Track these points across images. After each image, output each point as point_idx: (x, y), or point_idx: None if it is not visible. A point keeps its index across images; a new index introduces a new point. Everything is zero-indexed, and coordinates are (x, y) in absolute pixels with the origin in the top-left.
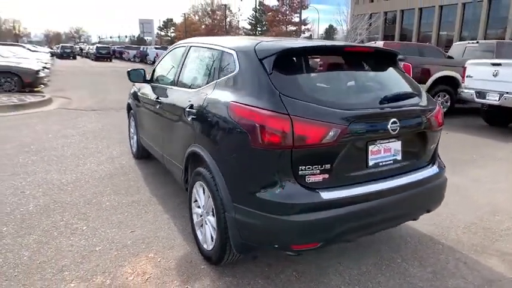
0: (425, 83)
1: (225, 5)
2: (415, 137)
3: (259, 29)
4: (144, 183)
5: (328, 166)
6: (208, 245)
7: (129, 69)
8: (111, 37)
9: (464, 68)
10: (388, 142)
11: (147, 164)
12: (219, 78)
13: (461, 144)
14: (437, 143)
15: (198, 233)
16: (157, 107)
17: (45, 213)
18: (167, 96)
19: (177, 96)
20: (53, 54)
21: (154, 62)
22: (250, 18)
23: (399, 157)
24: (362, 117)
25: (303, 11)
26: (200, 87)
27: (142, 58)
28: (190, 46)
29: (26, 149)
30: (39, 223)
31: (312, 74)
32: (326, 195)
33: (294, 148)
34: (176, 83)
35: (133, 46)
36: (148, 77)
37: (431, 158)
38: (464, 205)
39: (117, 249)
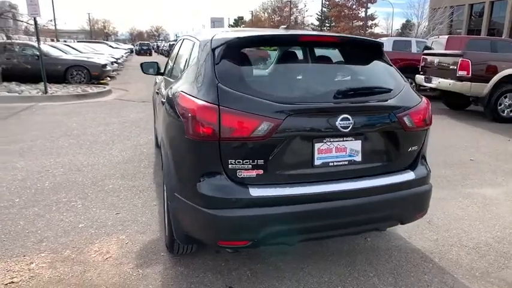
0: (487, 82)
1: (290, 1)
2: (382, 138)
3: (327, 24)
4: (152, 170)
5: (261, 162)
6: (166, 234)
7: (141, 62)
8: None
9: None
10: (343, 141)
11: None
12: (188, 69)
13: None
14: (422, 146)
15: (166, 220)
16: (157, 97)
17: (55, 190)
18: (164, 88)
19: (164, 88)
20: (131, 51)
21: None
22: (318, 13)
23: (358, 158)
24: (301, 112)
25: (371, 5)
26: (177, 77)
27: None
28: (184, 39)
29: (68, 133)
30: (45, 198)
31: (261, 65)
32: (256, 192)
33: (221, 140)
34: (170, 74)
35: None
36: (162, 70)
37: (411, 162)
38: (484, 222)
39: (96, 228)
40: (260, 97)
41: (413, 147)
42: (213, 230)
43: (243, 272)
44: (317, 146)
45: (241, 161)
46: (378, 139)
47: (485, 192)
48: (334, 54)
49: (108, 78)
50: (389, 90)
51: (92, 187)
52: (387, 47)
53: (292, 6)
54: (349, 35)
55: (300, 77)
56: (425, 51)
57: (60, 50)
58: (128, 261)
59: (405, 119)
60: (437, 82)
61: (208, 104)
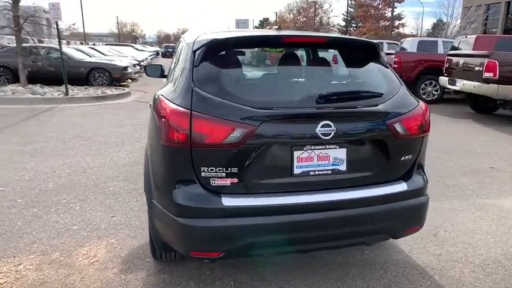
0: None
1: (315, 2)
2: (371, 146)
3: (354, 25)
4: None
5: (235, 170)
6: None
7: (145, 65)
8: None
9: None
10: (325, 149)
11: None
12: (172, 71)
13: None
14: (418, 155)
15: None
16: None
17: (58, 191)
18: None
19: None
20: (157, 53)
21: None
22: (344, 14)
23: (343, 167)
24: (277, 118)
25: (399, 4)
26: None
27: None
28: (180, 40)
29: (81, 135)
30: (47, 199)
31: (242, 68)
32: (229, 201)
33: (192, 147)
34: (167, 77)
35: None
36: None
37: (405, 173)
38: (497, 236)
39: (89, 230)
40: (236, 102)
41: (407, 157)
42: (184, 240)
43: (226, 282)
44: (296, 153)
45: (214, 169)
46: (366, 147)
47: (503, 204)
48: (324, 56)
49: (130, 80)
50: (380, 95)
51: (93, 189)
52: (411, 48)
53: (317, 6)
54: (339, 35)
55: (281, 81)
56: (450, 52)
57: (84, 53)
58: (113, 265)
59: (396, 126)
60: (461, 84)
61: (180, 109)
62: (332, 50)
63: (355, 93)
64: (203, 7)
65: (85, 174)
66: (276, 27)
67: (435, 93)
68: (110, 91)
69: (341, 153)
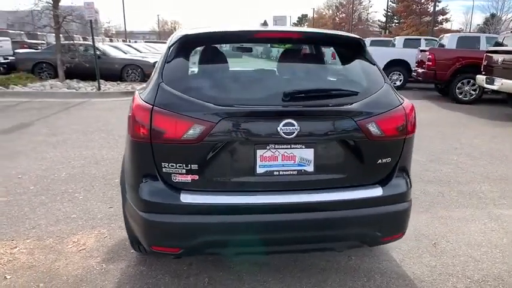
0: None
1: None
2: (341, 147)
3: (396, 20)
4: None
5: (195, 167)
6: None
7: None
8: None
9: None
10: (290, 148)
11: None
12: None
13: None
14: (399, 158)
15: None
16: None
17: (68, 181)
18: None
19: None
20: None
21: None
22: (385, 9)
23: (310, 168)
24: (237, 115)
25: None
26: None
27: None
28: None
29: (103, 128)
30: (56, 188)
31: (211, 64)
32: (187, 198)
33: (153, 142)
34: None
35: None
36: None
37: (383, 177)
38: (506, 251)
39: (85, 219)
40: (199, 98)
41: (384, 160)
42: (146, 235)
43: (201, 279)
44: (259, 152)
45: (174, 165)
46: (336, 148)
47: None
48: (303, 51)
49: None
50: (355, 93)
51: (100, 180)
52: (450, 44)
53: (356, 2)
54: (318, 30)
55: (249, 77)
56: (490, 48)
57: (120, 50)
58: (98, 254)
59: (370, 126)
60: (500, 84)
61: (143, 104)
62: (309, 45)
63: (325, 92)
64: (242, 4)
65: (97, 165)
66: (262, 23)
67: (473, 92)
68: (139, 87)
69: (308, 153)
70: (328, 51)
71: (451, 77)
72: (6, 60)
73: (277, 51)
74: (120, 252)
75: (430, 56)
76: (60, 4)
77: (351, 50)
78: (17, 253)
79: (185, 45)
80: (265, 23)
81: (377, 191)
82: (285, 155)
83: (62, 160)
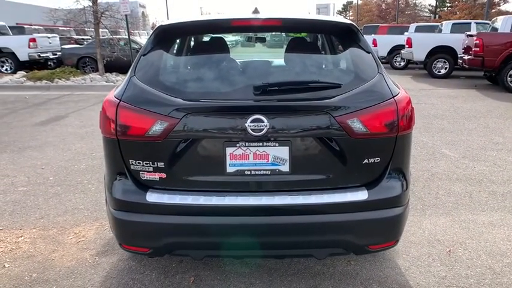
0: None
1: None
2: (320, 145)
3: (448, 4)
4: None
5: (162, 165)
6: None
7: None
8: None
9: None
10: (263, 146)
11: None
12: None
13: None
14: (390, 158)
15: None
16: None
17: (85, 172)
18: None
19: None
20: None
21: None
22: None
23: (285, 168)
24: (201, 111)
25: None
26: None
27: None
28: None
29: None
30: (72, 179)
31: (185, 56)
32: (152, 197)
33: (119, 138)
34: None
35: None
36: None
37: (370, 179)
38: None
39: (91, 211)
40: (166, 93)
41: (371, 160)
42: (115, 232)
43: (187, 277)
44: (229, 150)
45: (141, 162)
46: (315, 147)
47: None
48: (287, 40)
49: None
50: (338, 86)
51: None
52: (504, 28)
53: None
54: (302, 16)
55: (222, 70)
56: None
57: None
58: (93, 247)
59: (351, 122)
60: None
61: (111, 99)
62: (298, 34)
63: (302, 84)
64: None
65: None
66: (253, 10)
67: None
68: None
69: (282, 152)
70: (321, 40)
71: (502, 64)
72: (55, 56)
73: (283, 38)
74: (115, 246)
75: (477, 41)
76: (99, 1)
77: (342, 37)
78: (21, 242)
79: (161, 37)
80: (256, 11)
81: (361, 195)
82: (257, 153)
83: (85, 151)
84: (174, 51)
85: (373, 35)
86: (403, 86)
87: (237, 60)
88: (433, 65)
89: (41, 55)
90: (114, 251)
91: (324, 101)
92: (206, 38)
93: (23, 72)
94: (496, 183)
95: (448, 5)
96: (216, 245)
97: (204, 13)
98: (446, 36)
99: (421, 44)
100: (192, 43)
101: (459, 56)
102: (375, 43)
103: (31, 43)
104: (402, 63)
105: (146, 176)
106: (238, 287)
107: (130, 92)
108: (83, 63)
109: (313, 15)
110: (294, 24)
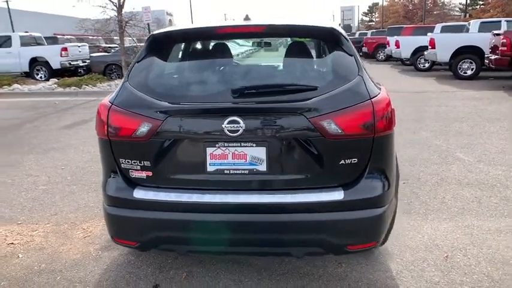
0: None
1: None
2: (296, 146)
3: (480, 2)
4: None
5: (148, 163)
6: None
7: None
8: None
9: None
10: (241, 146)
11: None
12: None
13: None
14: (369, 159)
15: None
16: None
17: (99, 173)
18: None
19: None
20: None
21: None
22: None
23: (262, 168)
24: (181, 113)
25: None
26: None
27: None
28: None
29: None
30: (88, 179)
31: (172, 62)
32: (139, 194)
33: (111, 139)
34: None
35: None
36: None
37: (347, 179)
38: None
39: (100, 209)
40: (153, 96)
41: (348, 160)
42: (107, 226)
43: (180, 273)
44: (209, 150)
45: (130, 161)
46: (291, 148)
47: None
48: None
49: None
50: (314, 88)
51: None
52: None
53: None
54: (283, 22)
55: (204, 74)
56: None
57: None
58: (99, 242)
59: (325, 124)
60: None
61: (105, 103)
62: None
63: (278, 87)
64: None
65: None
66: (245, 17)
67: None
68: None
69: (260, 152)
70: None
71: None
72: (85, 64)
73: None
74: None
75: (504, 40)
76: (124, 10)
77: (325, 40)
78: (35, 235)
79: (152, 45)
80: (246, 18)
81: (337, 195)
82: (235, 153)
83: None
84: (165, 58)
85: (395, 37)
86: (423, 88)
87: (222, 65)
88: (459, 66)
89: (72, 63)
90: (116, 246)
91: (299, 103)
92: (196, 45)
93: (55, 80)
94: (510, 188)
95: (481, 2)
96: (197, 240)
97: (228, 19)
98: (473, 35)
99: (444, 45)
100: (182, 50)
101: (485, 56)
102: (397, 44)
103: (63, 52)
104: (427, 65)
105: (135, 174)
106: (227, 284)
107: (122, 97)
108: (109, 70)
109: (300, 20)
110: (276, 30)
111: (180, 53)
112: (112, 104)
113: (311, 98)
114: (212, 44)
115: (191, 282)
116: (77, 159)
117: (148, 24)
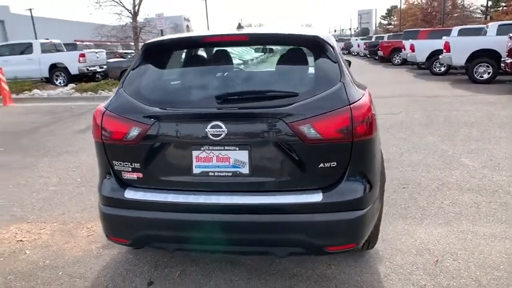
0: None
1: None
2: (277, 150)
3: (503, 4)
4: None
5: (138, 165)
6: None
7: None
8: (335, 30)
9: None
10: (224, 150)
11: None
12: None
13: None
14: (348, 163)
15: None
16: None
17: None
18: None
19: None
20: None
21: (358, 54)
22: None
23: (245, 170)
24: (168, 117)
25: None
26: None
27: (348, 49)
28: None
29: None
30: (96, 180)
31: (163, 69)
32: (130, 194)
33: (104, 142)
34: None
35: (344, 38)
36: None
37: (327, 182)
38: None
39: None
40: (144, 102)
41: (327, 164)
42: (102, 225)
43: (174, 271)
44: (195, 153)
45: (122, 163)
46: (272, 151)
47: None
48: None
49: None
50: (295, 94)
51: None
52: None
53: None
54: (267, 31)
55: (191, 81)
56: None
57: None
58: (100, 240)
59: (304, 129)
60: None
61: (100, 108)
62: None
63: (260, 93)
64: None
65: None
66: (237, 26)
67: None
68: None
69: (242, 155)
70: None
71: None
72: (102, 69)
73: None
74: None
75: None
76: (139, 17)
77: (310, 48)
78: (43, 234)
79: (147, 53)
80: (239, 26)
81: (316, 197)
82: (219, 156)
83: None
84: (158, 65)
85: (410, 40)
86: (437, 92)
87: (210, 72)
88: (475, 70)
89: (89, 69)
90: (115, 244)
91: (278, 109)
92: (187, 53)
93: (72, 85)
94: (511, 194)
95: (503, 4)
96: (182, 239)
97: (244, 25)
98: (489, 39)
99: (460, 48)
100: (174, 57)
101: (502, 59)
102: (412, 48)
103: (81, 58)
104: (442, 69)
105: (126, 176)
106: (218, 283)
107: (115, 103)
108: None
109: (285, 29)
110: (261, 39)
111: (172, 60)
112: (106, 109)
113: (291, 104)
114: (203, 52)
115: (184, 280)
116: (88, 162)
117: (161, 30)
